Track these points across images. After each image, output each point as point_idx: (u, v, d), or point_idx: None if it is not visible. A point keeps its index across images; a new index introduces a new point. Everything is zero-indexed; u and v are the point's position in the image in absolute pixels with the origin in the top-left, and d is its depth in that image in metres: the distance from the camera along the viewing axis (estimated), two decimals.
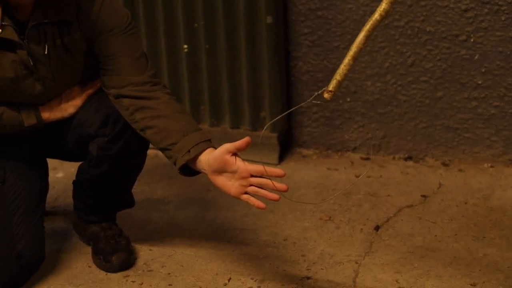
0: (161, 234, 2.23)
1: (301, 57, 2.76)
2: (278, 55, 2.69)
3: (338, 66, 2.79)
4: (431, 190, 2.47)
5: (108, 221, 2.07)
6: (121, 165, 1.90)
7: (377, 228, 2.23)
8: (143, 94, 1.76)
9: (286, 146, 2.84)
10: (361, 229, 2.23)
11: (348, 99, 2.74)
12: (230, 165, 1.64)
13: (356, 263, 2.04)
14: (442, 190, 2.46)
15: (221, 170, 1.65)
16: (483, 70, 2.56)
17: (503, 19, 2.49)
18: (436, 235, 2.17)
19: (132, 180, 2.01)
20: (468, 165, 2.63)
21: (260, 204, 1.65)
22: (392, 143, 2.74)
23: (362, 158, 2.76)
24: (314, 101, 1.64)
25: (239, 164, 1.64)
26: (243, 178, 1.64)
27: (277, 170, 1.61)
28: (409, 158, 2.72)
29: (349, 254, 2.08)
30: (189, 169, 1.72)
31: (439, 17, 2.55)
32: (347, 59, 1.60)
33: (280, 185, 1.62)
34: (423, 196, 2.43)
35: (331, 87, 1.60)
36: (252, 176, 1.63)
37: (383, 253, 2.07)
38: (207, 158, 1.67)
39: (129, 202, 2.08)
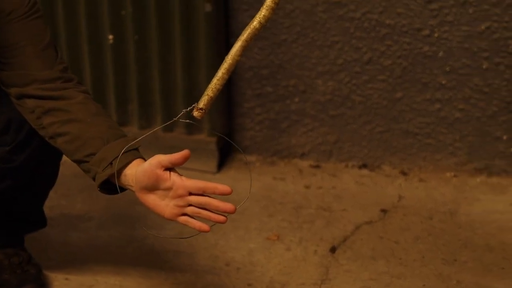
0: (80, 259, 1.88)
1: (243, 52, 2.44)
2: (218, 48, 2.37)
3: (285, 61, 2.51)
4: (391, 204, 2.19)
5: (14, 246, 1.71)
6: (29, 179, 1.55)
7: (333, 249, 1.93)
8: (52, 94, 1.41)
9: (226, 152, 2.52)
10: (315, 250, 1.93)
11: (297, 99, 2.44)
12: (163, 181, 1.32)
13: None
14: (403, 204, 2.19)
15: (152, 187, 1.33)
16: (447, 69, 2.29)
17: (470, 12, 2.23)
18: (401, 258, 1.89)
19: (43, 196, 1.66)
20: (429, 174, 2.36)
21: (203, 226, 1.33)
22: (345, 149, 2.45)
23: (311, 166, 2.46)
24: (181, 120, 1.37)
25: (175, 179, 1.32)
26: (180, 196, 1.32)
27: (221, 187, 1.29)
28: (363, 166, 2.44)
29: (302, 283, 1.78)
30: (112, 185, 1.39)
31: (399, 9, 2.27)
32: (220, 73, 1.41)
33: (226, 205, 1.30)
34: (383, 210, 2.14)
35: (201, 104, 1.38)
36: (190, 194, 1.32)
37: (342, 281, 1.78)
38: (134, 172, 1.34)
39: (40, 222, 1.73)
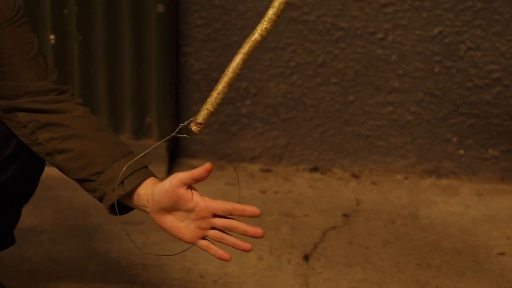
0: (42, 277, 1.76)
1: (193, 53, 2.36)
2: (170, 51, 2.28)
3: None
4: (350, 208, 2.18)
5: None
6: (8, 197, 1.42)
7: (306, 257, 1.90)
8: (47, 107, 1.29)
9: (172, 156, 2.43)
10: (288, 259, 1.89)
11: (247, 102, 2.39)
12: (185, 202, 1.23)
13: None
14: (362, 208, 2.18)
15: (172, 208, 1.23)
16: (400, 72, 2.31)
17: (424, 16, 2.25)
18: (376, 264, 1.88)
19: (18, 213, 1.53)
20: (380, 177, 2.37)
21: (224, 254, 1.25)
22: (296, 153, 2.42)
23: (262, 170, 2.42)
24: (178, 135, 1.32)
25: (198, 200, 1.23)
26: (203, 218, 1.23)
27: (250, 209, 1.22)
28: (314, 169, 2.42)
29: None
30: (120, 206, 1.29)
31: (354, 12, 2.26)
32: (221, 86, 1.36)
33: (255, 230, 1.23)
34: (345, 215, 2.13)
35: (200, 118, 1.34)
36: (215, 215, 1.24)
37: None
38: (149, 192, 1.25)
39: (9, 240, 1.59)
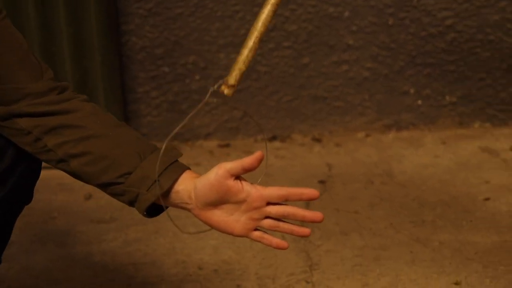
0: None
1: (134, 31, 2.21)
2: (111, 31, 2.11)
3: (182, 37, 2.31)
4: (324, 174, 2.11)
5: None
6: (6, 212, 1.25)
7: None
8: (52, 108, 1.13)
9: None
10: (282, 236, 1.79)
11: (197, 77, 2.26)
12: (234, 194, 1.10)
13: (308, 282, 1.61)
14: (336, 172, 2.11)
15: (220, 201, 1.11)
16: (354, 29, 2.24)
17: None
18: (371, 228, 1.82)
19: (11, 228, 1.36)
20: (341, 138, 2.31)
21: (281, 243, 1.13)
22: (252, 124, 2.32)
23: (220, 146, 2.30)
24: (210, 100, 1.19)
25: (249, 189, 1.10)
26: (256, 208, 1.11)
27: (308, 191, 1.11)
28: (273, 138, 2.33)
29: (292, 273, 1.65)
30: (155, 207, 1.15)
31: None
32: (251, 42, 1.20)
33: (314, 214, 1.12)
34: (321, 182, 2.06)
35: (232, 80, 1.18)
36: (268, 203, 1.13)
37: (331, 264, 1.67)
38: (190, 187, 1.12)
39: None
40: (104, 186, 1.14)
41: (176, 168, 1.12)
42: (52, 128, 1.13)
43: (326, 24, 2.23)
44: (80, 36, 2.09)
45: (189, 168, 1.15)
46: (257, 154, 1.08)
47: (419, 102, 2.32)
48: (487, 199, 1.93)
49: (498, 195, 1.95)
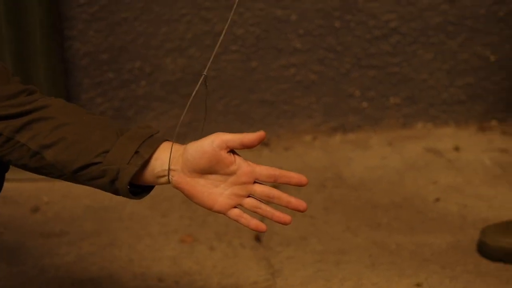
0: None
1: (77, 36, 2.15)
2: (55, 36, 2.05)
3: (128, 42, 2.26)
4: None
5: None
6: None
7: (257, 238, 1.80)
8: (22, 109, 1.08)
9: None
10: (241, 244, 1.78)
11: (143, 83, 2.22)
12: (226, 165, 1.07)
13: None
14: None
15: (209, 171, 1.07)
16: (301, 32, 2.24)
17: None
18: (328, 232, 1.82)
19: None
20: (289, 141, 2.31)
21: (260, 225, 1.10)
22: (200, 128, 2.29)
23: None
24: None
25: (241, 162, 1.08)
26: (243, 183, 1.08)
27: (297, 176, 1.09)
28: None
29: (255, 281, 1.63)
30: (135, 186, 1.11)
31: None
32: None
33: (299, 201, 1.10)
34: (273, 187, 2.04)
35: None
36: (255, 182, 1.09)
37: (293, 269, 1.67)
38: (176, 153, 1.08)
39: None
40: (81, 171, 1.10)
41: (155, 139, 1.11)
42: (23, 125, 1.10)
43: (274, 27, 2.22)
44: (23, 41, 2.02)
45: (168, 140, 1.13)
46: (260, 133, 1.06)
47: (365, 104, 2.35)
48: (437, 199, 1.97)
49: (447, 196, 1.98)
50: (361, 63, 2.30)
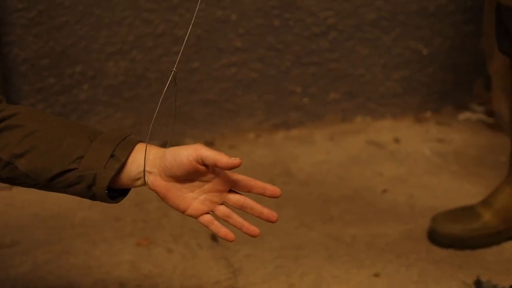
0: None
1: (16, 42, 2.10)
2: None
3: (69, 46, 2.22)
4: None
5: None
6: None
7: (214, 237, 1.81)
8: None
9: None
10: (198, 244, 1.78)
11: (85, 87, 2.19)
12: (203, 175, 1.09)
13: None
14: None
15: (186, 178, 1.09)
16: (241, 31, 2.25)
17: None
18: (283, 229, 1.85)
19: None
20: (233, 140, 2.33)
21: (229, 234, 1.13)
22: (144, 131, 2.27)
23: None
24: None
25: (218, 171, 1.10)
26: (218, 191, 1.10)
27: (271, 187, 1.11)
28: (165, 144, 2.30)
29: (217, 281, 1.65)
30: (112, 190, 1.11)
31: None
32: None
33: (271, 213, 1.13)
34: None
35: None
36: (230, 190, 1.11)
37: (253, 268, 1.69)
38: (153, 155, 1.10)
39: None
40: (57, 178, 1.09)
41: (129, 142, 1.12)
42: None
43: (214, 27, 2.23)
44: None
45: (142, 141, 1.13)
46: (236, 161, 1.07)
47: (306, 100, 2.39)
48: (384, 191, 2.02)
49: (393, 187, 2.04)
50: (301, 61, 2.33)
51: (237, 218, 1.13)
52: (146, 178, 1.10)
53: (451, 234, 1.74)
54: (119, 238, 1.81)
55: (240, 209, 1.14)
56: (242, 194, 1.14)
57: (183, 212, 1.14)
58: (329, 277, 1.64)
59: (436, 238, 1.76)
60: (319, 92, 2.39)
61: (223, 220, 1.14)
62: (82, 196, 1.11)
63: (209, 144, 2.31)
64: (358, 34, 2.35)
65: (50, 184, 1.10)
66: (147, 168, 1.10)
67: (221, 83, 2.30)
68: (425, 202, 1.95)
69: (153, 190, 1.12)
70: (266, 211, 1.13)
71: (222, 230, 1.13)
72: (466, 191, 2.00)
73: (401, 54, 2.41)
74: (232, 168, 1.08)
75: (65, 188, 1.10)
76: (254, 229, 1.14)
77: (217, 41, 2.25)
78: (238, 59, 2.28)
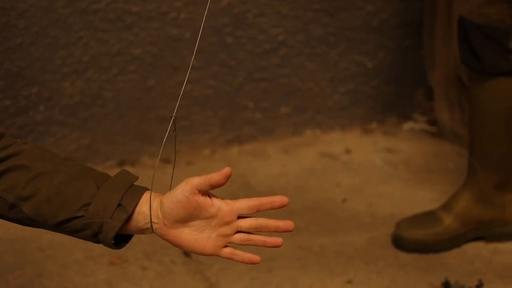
0: None
1: None
2: None
3: (24, 68, 2.20)
4: None
5: None
6: None
7: (186, 253, 1.83)
8: None
9: None
10: (172, 260, 1.80)
11: (42, 108, 2.18)
12: (205, 209, 1.07)
13: None
14: None
15: (189, 218, 1.08)
16: (195, 49, 2.28)
17: None
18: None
19: None
20: (189, 156, 2.35)
21: (253, 257, 1.13)
22: (101, 150, 2.28)
23: None
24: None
25: (219, 204, 1.09)
26: (227, 223, 1.10)
27: (279, 198, 1.12)
28: (122, 163, 2.31)
29: None
30: (119, 236, 1.10)
31: None
32: None
33: (286, 223, 1.14)
34: None
35: None
36: (239, 217, 1.11)
37: (229, 281, 1.72)
38: (155, 205, 1.08)
39: None
40: (62, 226, 1.08)
41: (136, 190, 1.10)
42: None
43: (169, 46, 2.26)
44: None
45: (147, 189, 1.13)
46: (225, 171, 1.08)
47: (258, 115, 2.44)
48: (344, 200, 2.09)
49: (352, 196, 2.11)
50: (253, 77, 2.39)
51: (256, 238, 1.13)
52: (153, 229, 1.09)
53: (416, 239, 1.82)
54: (91, 259, 1.80)
55: (256, 231, 1.15)
56: (251, 217, 1.14)
57: (202, 253, 1.12)
58: (305, 286, 1.69)
59: (401, 243, 1.83)
60: (271, 106, 2.44)
61: (244, 246, 1.14)
62: (87, 240, 1.11)
63: (166, 161, 2.33)
64: (307, 50, 2.42)
65: (58, 228, 1.09)
66: (153, 220, 1.09)
67: (177, 100, 2.32)
68: (384, 210, 2.02)
69: (163, 239, 1.11)
70: (281, 224, 1.14)
71: (246, 256, 1.13)
72: (420, 198, 2.09)
73: (347, 68, 2.50)
74: (227, 177, 1.08)
75: (72, 233, 1.09)
76: (276, 240, 1.14)
77: (172, 60, 2.27)
78: (193, 77, 2.31)
